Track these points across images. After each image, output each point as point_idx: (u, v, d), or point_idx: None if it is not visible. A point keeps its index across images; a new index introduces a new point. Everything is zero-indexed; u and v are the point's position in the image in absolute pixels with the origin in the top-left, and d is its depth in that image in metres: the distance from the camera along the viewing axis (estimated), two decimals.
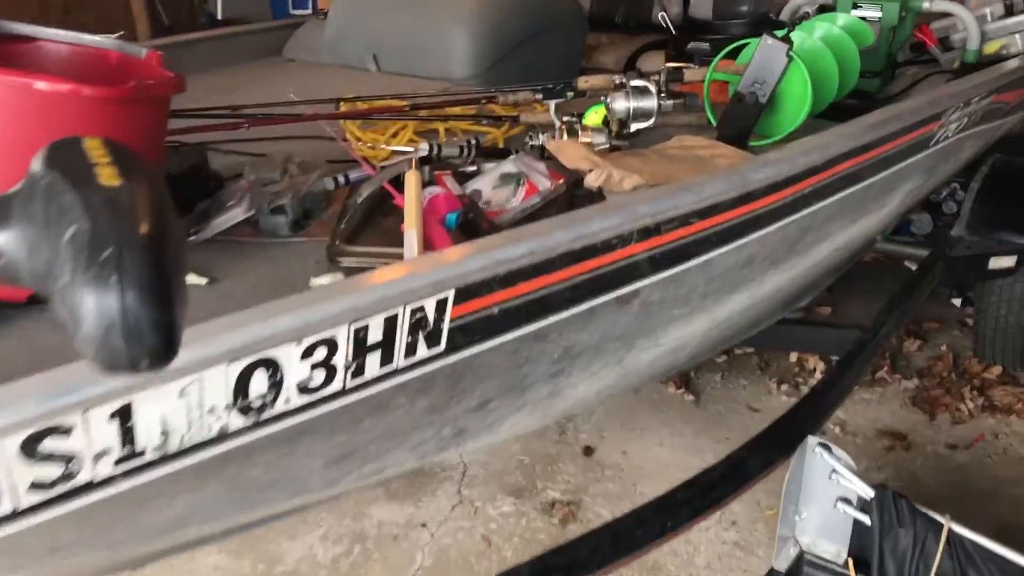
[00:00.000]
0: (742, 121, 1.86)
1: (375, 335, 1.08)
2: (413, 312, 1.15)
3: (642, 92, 1.84)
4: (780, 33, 1.96)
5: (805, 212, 1.80)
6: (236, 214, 1.52)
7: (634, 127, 1.84)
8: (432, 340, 1.20)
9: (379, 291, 1.09)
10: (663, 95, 1.87)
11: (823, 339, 2.70)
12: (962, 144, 2.50)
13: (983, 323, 3.25)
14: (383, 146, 1.74)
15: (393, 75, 2.81)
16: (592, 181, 1.59)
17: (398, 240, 1.42)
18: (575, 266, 1.33)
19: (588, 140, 1.83)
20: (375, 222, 1.56)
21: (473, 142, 1.89)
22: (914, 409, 3.20)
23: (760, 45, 1.79)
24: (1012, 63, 2.41)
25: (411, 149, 1.72)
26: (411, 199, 1.41)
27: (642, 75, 1.95)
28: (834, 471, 1.78)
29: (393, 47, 2.83)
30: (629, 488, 2.78)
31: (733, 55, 2.12)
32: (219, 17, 5.65)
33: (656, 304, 1.58)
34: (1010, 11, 2.73)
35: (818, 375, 3.43)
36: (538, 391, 1.50)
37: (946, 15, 2.78)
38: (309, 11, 5.82)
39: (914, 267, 3.37)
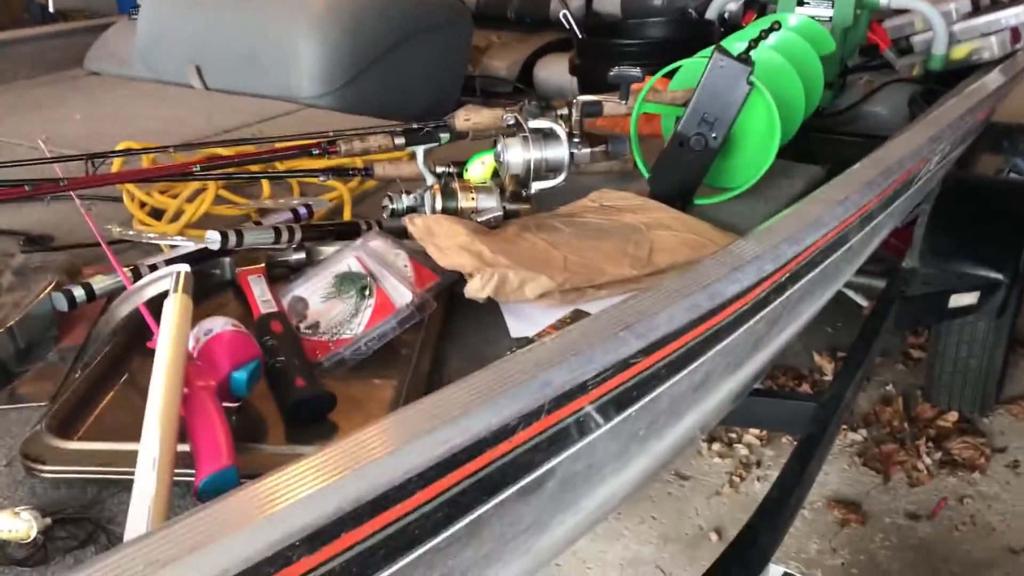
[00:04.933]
0: (685, 173, 1.33)
1: None
2: None
3: (547, 137, 1.28)
4: (728, 45, 1.43)
5: (778, 302, 1.28)
6: None
7: (536, 187, 1.28)
8: None
9: None
10: (576, 139, 1.31)
11: (772, 414, 2.20)
12: (936, 174, 2.03)
13: (939, 364, 2.83)
14: (168, 240, 1.11)
15: (223, 93, 2.19)
16: (476, 291, 1.03)
17: None
18: (456, 471, 0.77)
19: (471, 204, 1.26)
20: (122, 379, 0.96)
21: (303, 212, 1.30)
22: (865, 469, 2.76)
23: (709, 68, 1.25)
24: (995, 76, 1.95)
25: (187, 243, 1.10)
26: (164, 355, 0.81)
27: (545, 107, 1.39)
28: None
29: (222, 58, 2.20)
30: None
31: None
32: (51, 9, 4.89)
33: (581, 472, 1.04)
34: (977, 8, 2.27)
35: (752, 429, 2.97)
36: None
37: (901, 12, 2.31)
38: None
39: (858, 298, 2.95)
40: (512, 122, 1.29)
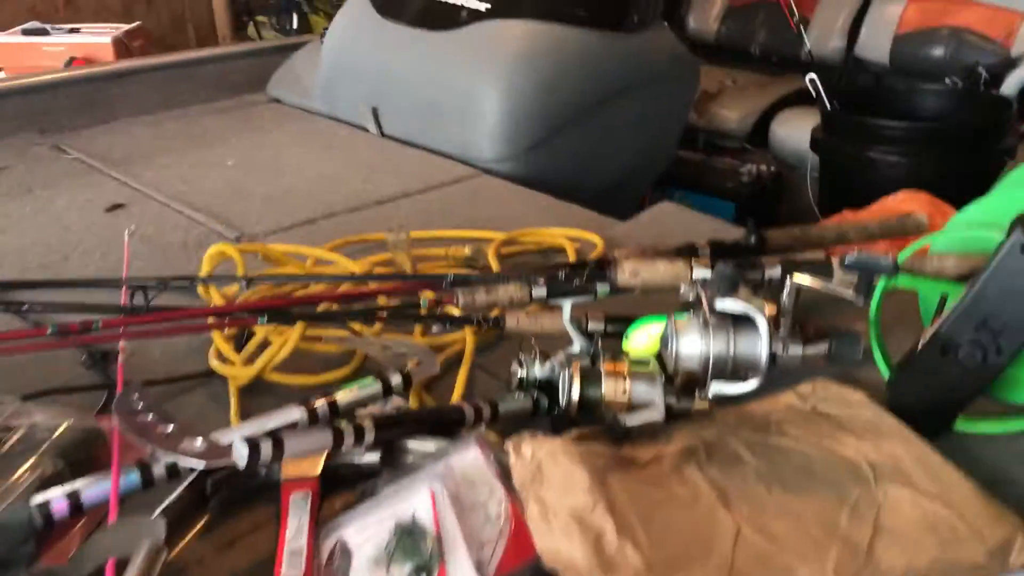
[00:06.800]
0: (945, 392, 0.90)
1: None
2: None
3: (739, 323, 0.90)
4: None
5: None
6: None
7: (715, 390, 0.90)
8: None
9: None
10: (784, 331, 0.91)
11: None
12: None
13: None
14: (182, 457, 0.81)
15: (396, 143, 1.93)
16: None
17: None
18: None
19: (623, 398, 0.91)
20: None
21: (397, 381, 0.99)
22: None
23: (1005, 252, 0.82)
24: None
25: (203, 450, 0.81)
26: None
27: (745, 262, 0.99)
28: None
29: (400, 103, 1.94)
30: None
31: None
32: (294, 27, 4.89)
33: None
34: None
35: None
36: None
37: None
38: None
39: None
40: (692, 298, 0.91)
